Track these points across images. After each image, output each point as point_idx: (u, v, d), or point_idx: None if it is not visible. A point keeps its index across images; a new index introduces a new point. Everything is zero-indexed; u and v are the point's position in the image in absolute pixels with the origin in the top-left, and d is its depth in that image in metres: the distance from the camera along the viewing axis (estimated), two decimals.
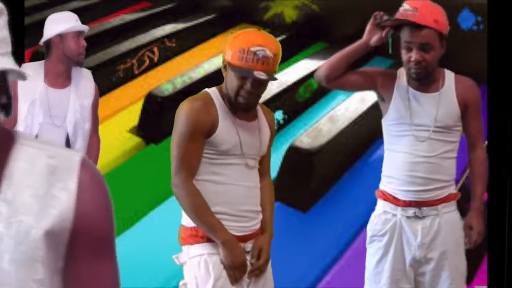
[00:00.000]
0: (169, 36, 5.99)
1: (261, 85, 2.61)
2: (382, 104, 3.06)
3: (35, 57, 4.78)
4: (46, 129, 3.50)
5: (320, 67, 3.05)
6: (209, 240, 2.62)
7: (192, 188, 2.59)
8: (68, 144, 3.52)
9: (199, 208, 2.59)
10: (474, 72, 3.31)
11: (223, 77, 2.68)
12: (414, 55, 2.88)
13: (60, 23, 3.52)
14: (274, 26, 5.85)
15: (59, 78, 3.56)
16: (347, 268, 4.30)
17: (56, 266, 1.09)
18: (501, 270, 4.16)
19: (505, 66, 4.28)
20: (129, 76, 5.65)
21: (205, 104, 2.63)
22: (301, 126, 5.21)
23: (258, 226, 2.71)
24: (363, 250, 3.12)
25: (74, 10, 3.80)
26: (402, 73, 3.01)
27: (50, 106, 3.50)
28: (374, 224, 3.03)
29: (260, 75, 2.54)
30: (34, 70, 3.50)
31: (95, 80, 3.69)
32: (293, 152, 4.72)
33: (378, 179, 3.10)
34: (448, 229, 2.96)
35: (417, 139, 2.94)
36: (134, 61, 5.68)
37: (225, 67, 2.64)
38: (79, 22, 3.57)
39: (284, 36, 5.74)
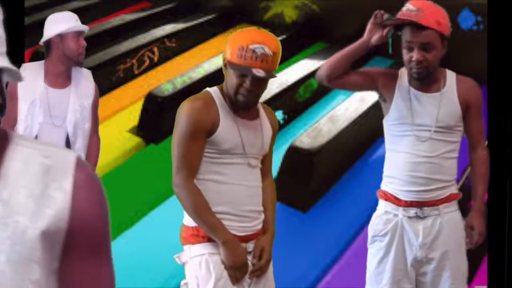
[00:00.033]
0: (169, 36, 5.98)
1: (260, 83, 2.58)
2: (384, 104, 3.06)
3: (35, 57, 4.78)
4: (46, 129, 3.49)
5: (321, 66, 3.05)
6: (210, 240, 2.61)
7: (193, 188, 2.58)
8: (68, 144, 3.51)
9: (199, 207, 2.58)
10: (474, 72, 3.31)
11: (224, 77, 2.67)
12: (415, 55, 2.88)
13: (60, 23, 3.52)
14: (274, 26, 5.84)
15: (59, 78, 3.55)
16: (347, 268, 4.30)
17: (51, 266, 1.08)
18: (501, 270, 4.16)
19: (505, 66, 4.28)
20: (129, 76, 5.64)
21: (206, 104, 2.61)
22: (301, 126, 5.20)
23: (260, 226, 2.70)
24: (363, 250, 3.12)
25: (74, 10, 3.80)
26: (403, 73, 3.01)
27: (50, 106, 3.50)
28: (376, 224, 3.02)
29: (259, 72, 2.51)
30: (34, 70, 3.50)
31: (95, 80, 3.69)
32: (293, 152, 4.71)
33: (378, 179, 3.09)
34: (450, 229, 2.96)
35: (419, 139, 2.94)
36: (134, 61, 5.67)
37: (225, 65, 2.63)
38: (79, 22, 3.57)
39: (284, 36, 5.73)
